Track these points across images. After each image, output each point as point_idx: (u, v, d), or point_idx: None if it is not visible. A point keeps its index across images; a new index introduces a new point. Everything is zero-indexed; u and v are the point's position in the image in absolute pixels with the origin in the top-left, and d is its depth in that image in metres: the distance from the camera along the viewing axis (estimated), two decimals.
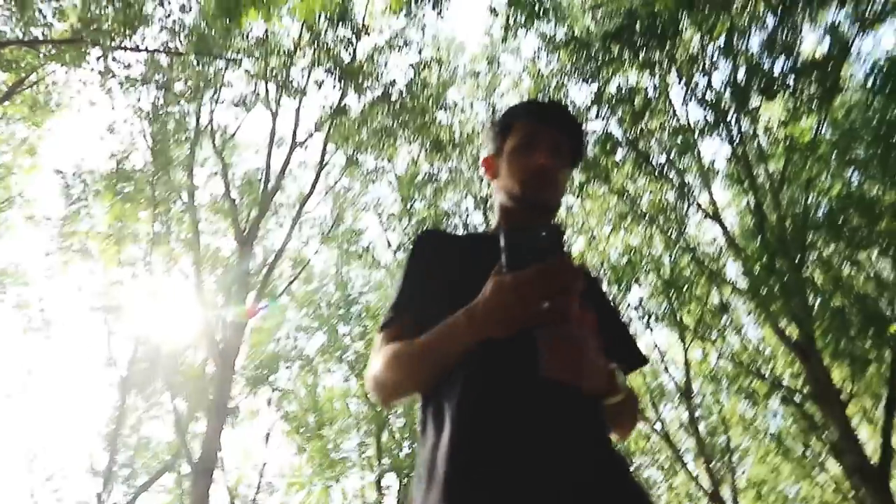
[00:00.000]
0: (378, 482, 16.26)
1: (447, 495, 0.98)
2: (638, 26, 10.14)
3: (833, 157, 9.68)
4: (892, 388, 8.90)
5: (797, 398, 11.35)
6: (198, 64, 11.91)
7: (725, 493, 13.43)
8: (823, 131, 9.67)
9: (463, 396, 1.08)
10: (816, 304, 10.69)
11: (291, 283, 16.29)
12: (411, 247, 1.36)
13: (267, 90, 13.53)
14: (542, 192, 1.33)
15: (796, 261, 9.05)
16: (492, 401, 1.07)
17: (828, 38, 9.08)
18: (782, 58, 8.95)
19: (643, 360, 1.43)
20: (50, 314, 14.53)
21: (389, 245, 16.37)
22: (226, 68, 12.46)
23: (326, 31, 12.01)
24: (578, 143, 1.41)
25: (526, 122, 1.38)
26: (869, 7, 8.03)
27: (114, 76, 10.88)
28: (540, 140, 1.35)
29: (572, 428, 1.06)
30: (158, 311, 13.33)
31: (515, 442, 1.02)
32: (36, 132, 13.33)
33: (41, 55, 10.38)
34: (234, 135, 14.28)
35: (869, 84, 8.60)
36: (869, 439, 14.26)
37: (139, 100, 12.27)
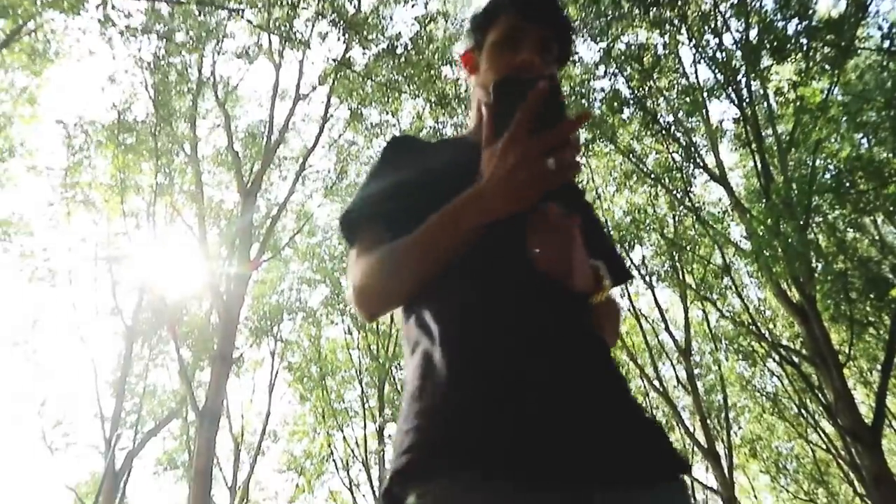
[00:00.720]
0: (380, 432, 16.61)
1: (450, 398, 0.92)
2: None
3: (843, 119, 9.53)
4: (889, 351, 8.96)
5: (795, 359, 11.45)
6: (199, 14, 11.68)
7: (720, 449, 13.69)
8: (835, 93, 9.50)
9: (464, 296, 1.01)
10: (819, 267, 10.70)
11: (294, 235, 16.34)
12: (381, 152, 1.27)
13: (270, 42, 13.33)
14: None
15: (801, 223, 9.01)
16: (494, 301, 1.01)
17: None
18: (796, 18, 8.72)
19: (627, 275, 1.34)
20: (54, 264, 14.62)
21: None
22: (228, 19, 12.22)
23: None
24: (567, 41, 1.28)
25: (510, 16, 1.25)
26: None
27: (114, 25, 10.68)
28: (525, 35, 1.23)
29: (575, 329, 1.02)
30: (162, 262, 13.42)
31: (521, 341, 0.96)
32: (35, 81, 13.18)
33: (38, 1, 10.18)
34: (236, 87, 14.13)
35: (885, 45, 8.41)
36: (864, 401, 14.48)
37: (140, 50, 12.10)
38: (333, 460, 17.58)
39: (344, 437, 17.23)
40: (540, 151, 0.86)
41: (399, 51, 12.06)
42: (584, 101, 11.78)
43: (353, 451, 17.11)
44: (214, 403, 10.87)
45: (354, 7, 11.97)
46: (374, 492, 16.06)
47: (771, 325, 15.28)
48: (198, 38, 12.06)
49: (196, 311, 15.26)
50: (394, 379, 17.17)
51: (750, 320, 12.42)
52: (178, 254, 13.82)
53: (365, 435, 16.94)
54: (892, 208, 10.95)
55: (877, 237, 14.01)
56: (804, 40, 8.59)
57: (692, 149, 11.48)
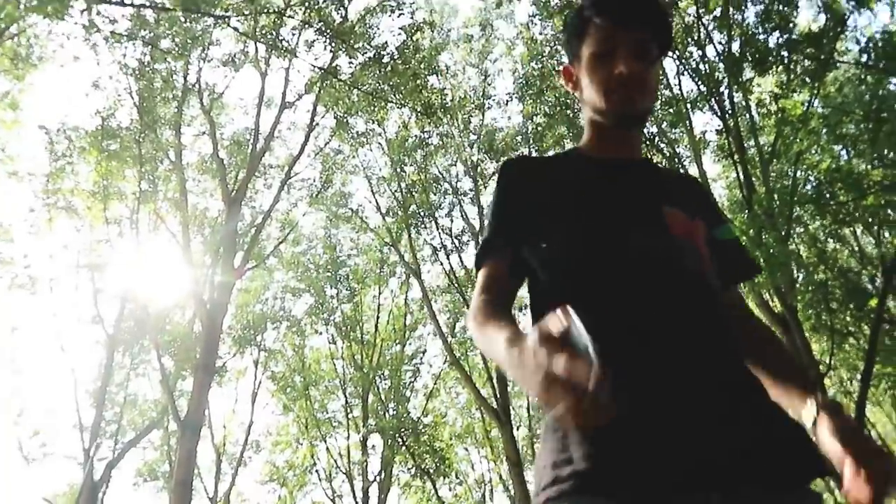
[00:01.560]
0: (364, 442, 16.52)
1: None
2: None
3: (823, 131, 9.68)
4: (868, 361, 9.07)
5: None
6: (185, 20, 11.65)
7: None
8: (815, 106, 9.65)
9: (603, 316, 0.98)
10: (800, 278, 10.83)
11: (279, 244, 16.27)
12: (497, 176, 1.28)
13: (256, 50, 13.32)
14: (630, 102, 1.18)
15: (783, 234, 9.12)
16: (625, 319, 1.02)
17: (823, 12, 9.01)
18: (777, 31, 8.87)
19: (756, 269, 1.33)
20: (35, 271, 14.43)
21: (378, 208, 16.34)
22: (214, 26, 12.20)
23: None
24: (665, 36, 1.23)
25: (601, 23, 1.20)
26: None
27: (98, 31, 10.61)
28: (619, 43, 1.18)
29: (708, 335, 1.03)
30: (145, 270, 13.30)
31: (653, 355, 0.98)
32: (18, 86, 13.05)
33: (21, 5, 10.10)
34: (222, 94, 14.08)
35: (863, 59, 8.56)
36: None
37: (125, 56, 12.03)
38: (316, 471, 17.45)
39: (327, 448, 17.12)
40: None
41: (385, 60, 12.09)
42: (568, 111, 11.88)
43: (336, 462, 16.98)
44: (196, 413, 10.75)
45: (341, 16, 11.99)
46: (356, 503, 15.93)
47: None
48: (183, 45, 12.03)
49: (179, 320, 15.12)
50: (377, 389, 17.11)
51: None
52: (161, 262, 13.71)
53: (348, 446, 16.84)
54: (871, 219, 11.11)
55: (856, 248, 14.19)
56: (785, 53, 8.74)
57: (676, 159, 11.59)
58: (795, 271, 10.06)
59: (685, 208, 1.17)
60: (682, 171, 11.39)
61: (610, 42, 1.19)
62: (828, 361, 10.70)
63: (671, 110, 10.86)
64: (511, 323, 1.04)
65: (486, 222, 1.27)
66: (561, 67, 1.40)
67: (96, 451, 13.87)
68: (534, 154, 14.33)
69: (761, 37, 8.98)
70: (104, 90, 12.68)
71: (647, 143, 11.43)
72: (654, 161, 1.36)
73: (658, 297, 1.03)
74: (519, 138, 14.86)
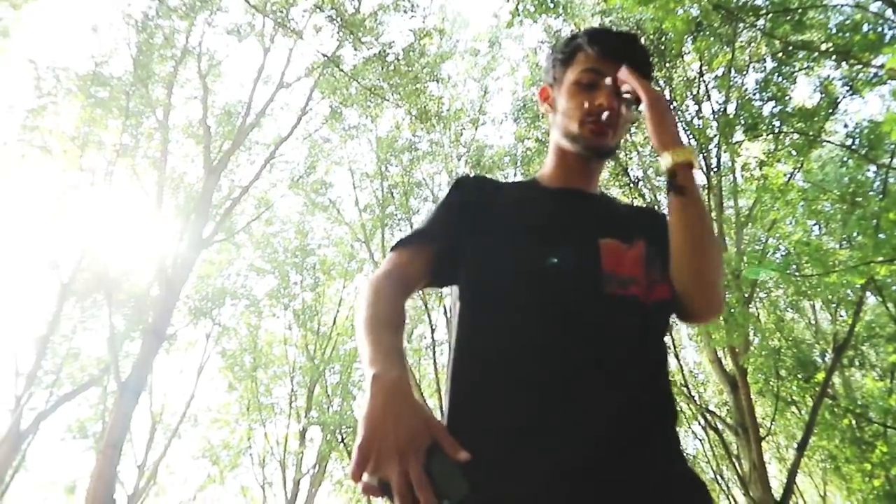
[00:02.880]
0: (302, 433, 16.36)
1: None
2: (643, 40, 10.18)
3: (800, 205, 9.95)
4: (807, 431, 9.30)
5: (719, 426, 11.76)
6: None
7: None
8: (796, 178, 9.93)
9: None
10: (755, 341, 11.07)
11: (252, 221, 16.10)
12: (449, 187, 1.30)
13: (263, 24, 13.22)
14: (602, 136, 1.23)
15: (745, 296, 9.33)
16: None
17: (818, 91, 9.29)
18: (772, 101, 9.11)
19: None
20: None
21: (357, 203, 16.29)
22: None
23: None
24: (647, 76, 1.27)
25: (589, 55, 1.26)
26: (861, 72, 8.22)
27: None
28: (604, 76, 1.23)
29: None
30: (112, 224, 13.04)
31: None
32: (13, 13, 12.76)
33: None
34: (221, 62, 13.93)
35: (848, 143, 8.83)
36: (776, 476, 14.92)
37: (130, 5, 11.85)
38: (250, 454, 17.22)
39: (265, 433, 16.90)
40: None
41: (390, 58, 12.10)
42: None
43: (272, 448, 16.78)
44: (138, 377, 10.54)
45: (354, 7, 11.98)
46: (286, 493, 15.75)
47: (702, 389, 15.68)
48: (191, 6, 11.89)
49: (137, 280, 14.83)
50: (325, 382, 16.97)
51: (683, 381, 12.72)
52: (129, 219, 13.46)
53: (287, 434, 16.66)
54: (830, 297, 11.43)
55: (813, 322, 14.57)
56: (777, 123, 8.96)
57: (656, 206, 11.79)
58: (752, 334, 10.28)
59: (624, 235, 1.18)
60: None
61: (593, 74, 1.24)
62: (769, 426, 10.95)
63: (659, 157, 11.05)
64: (393, 335, 1.05)
65: (424, 218, 1.29)
66: (539, 87, 1.41)
67: (28, 400, 13.50)
68: (519, 177, 14.45)
69: (757, 104, 9.21)
70: (102, 36, 12.48)
71: (631, 185, 11.62)
72: (609, 196, 1.36)
73: (568, 325, 1.06)
74: (507, 159, 14.96)
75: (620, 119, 1.25)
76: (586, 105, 1.23)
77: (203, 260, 15.59)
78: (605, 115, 1.21)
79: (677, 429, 1.12)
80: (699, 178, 10.50)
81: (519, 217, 1.22)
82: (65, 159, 13.10)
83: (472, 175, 1.34)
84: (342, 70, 12.53)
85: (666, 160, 1.15)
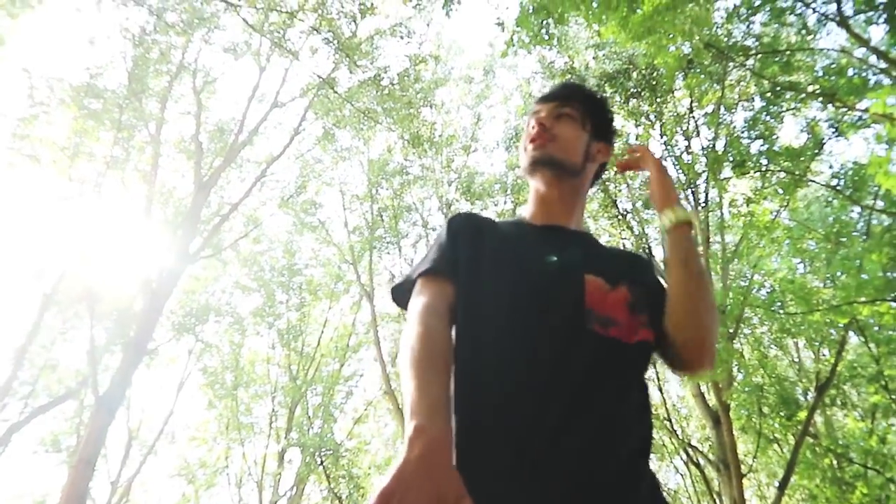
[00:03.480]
0: (282, 454, 16.13)
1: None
2: (634, 75, 10.35)
3: (786, 242, 10.05)
4: (788, 470, 9.29)
5: (701, 461, 11.72)
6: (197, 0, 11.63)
7: None
8: (782, 217, 10.04)
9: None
10: (739, 378, 11.09)
11: (240, 239, 16.05)
12: (445, 225, 1.34)
13: (260, 44, 13.31)
14: (539, 148, 1.35)
15: (730, 332, 9.36)
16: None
17: (805, 132, 9.44)
18: (760, 140, 9.25)
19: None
20: None
21: (346, 224, 16.29)
22: (224, 11, 12.18)
23: (333, 0, 11.88)
24: (592, 108, 1.43)
25: (535, 104, 1.45)
26: (846, 115, 8.38)
27: None
28: (540, 111, 1.40)
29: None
30: (99, 236, 12.94)
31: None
32: (10, 23, 12.76)
33: None
34: (216, 79, 13.99)
35: (833, 183, 8.95)
36: None
37: (128, 19, 11.90)
38: (227, 474, 16.93)
39: (243, 453, 16.65)
40: None
41: (384, 82, 12.20)
42: None
43: (249, 468, 16.52)
44: (117, 391, 10.38)
45: (351, 31, 12.10)
46: None
47: (684, 424, 15.64)
48: (189, 23, 11.96)
49: (120, 294, 14.69)
50: (307, 403, 16.78)
51: (666, 415, 12.69)
52: (117, 231, 13.37)
53: (265, 455, 16.41)
54: (814, 335, 11.49)
55: (796, 359, 14.62)
56: (764, 161, 9.09)
57: (644, 239, 11.86)
58: (736, 370, 10.31)
59: (609, 277, 1.20)
60: (646, 251, 11.66)
61: (536, 114, 1.40)
62: (750, 463, 10.92)
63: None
64: (442, 381, 1.03)
65: (422, 258, 1.30)
66: None
67: (1, 411, 13.26)
68: (508, 203, 14.52)
69: (745, 141, 9.34)
70: (97, 48, 12.51)
71: (619, 218, 11.70)
72: (593, 236, 1.39)
73: (556, 367, 1.06)
74: (497, 186, 15.04)
75: (554, 130, 1.37)
76: (528, 133, 1.40)
77: (189, 275, 15.50)
78: (536, 125, 1.37)
79: (650, 465, 1.13)
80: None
81: (507, 252, 1.24)
82: (54, 169, 13.05)
83: (463, 213, 1.38)
84: (336, 92, 12.61)
85: (668, 218, 1.25)
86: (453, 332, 1.17)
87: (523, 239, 1.30)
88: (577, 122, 1.38)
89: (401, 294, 1.28)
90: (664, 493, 1.10)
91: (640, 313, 1.18)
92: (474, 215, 1.37)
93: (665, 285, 1.28)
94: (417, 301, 1.18)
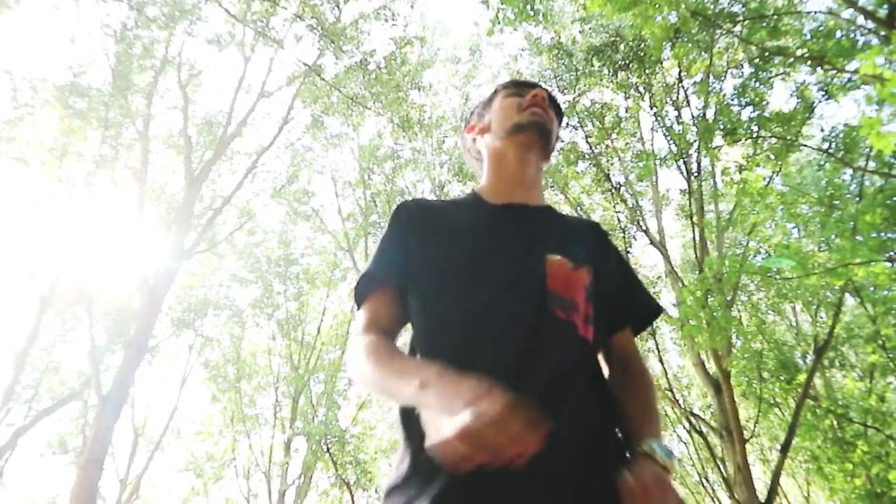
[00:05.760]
0: (287, 444, 16.23)
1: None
2: (622, 47, 10.30)
3: (779, 208, 10.08)
4: (790, 433, 9.39)
5: (703, 429, 11.84)
6: None
7: None
8: (775, 182, 10.05)
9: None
10: (738, 344, 11.18)
11: (234, 231, 16.00)
12: (390, 217, 1.31)
13: (244, 34, 13.18)
14: (541, 113, 1.36)
15: (728, 299, 9.41)
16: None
17: (794, 96, 9.43)
18: (750, 106, 9.24)
19: (657, 310, 1.37)
20: None
21: (340, 212, 16.25)
22: (206, 1, 12.04)
23: None
24: (558, 106, 1.45)
25: (510, 86, 1.44)
26: (835, 77, 8.37)
27: None
28: (527, 90, 1.40)
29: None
30: (92, 236, 12.90)
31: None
32: None
33: None
34: (201, 72, 13.86)
35: (824, 147, 8.96)
36: (760, 477, 15.04)
37: (108, 15, 11.75)
38: (234, 466, 17.03)
39: (249, 445, 16.74)
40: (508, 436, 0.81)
41: (371, 67, 12.12)
42: None
43: (256, 459, 16.62)
44: (120, 390, 10.40)
45: (335, 16, 11.98)
46: None
47: (686, 393, 15.77)
48: (170, 16, 11.82)
49: (118, 292, 14.67)
50: (310, 392, 16.85)
51: (667, 385, 12.79)
52: (110, 230, 13.32)
53: (271, 445, 16.51)
54: (811, 298, 11.58)
55: (794, 324, 14.73)
56: (755, 128, 9.08)
57: (638, 212, 11.88)
58: (734, 337, 10.38)
59: (573, 256, 1.20)
60: (640, 223, 11.68)
61: (520, 90, 1.41)
62: (752, 428, 11.04)
63: (641, 164, 11.16)
64: (405, 358, 1.09)
65: (371, 258, 1.28)
66: (466, 127, 1.52)
67: (6, 416, 13.27)
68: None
69: (735, 109, 9.33)
70: (80, 46, 12.38)
71: (613, 191, 11.71)
72: (554, 208, 1.37)
73: (515, 351, 1.05)
74: None
75: (550, 112, 1.39)
76: (520, 101, 1.38)
77: (185, 271, 15.47)
78: (538, 96, 1.37)
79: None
80: (681, 183, 10.62)
81: (462, 240, 1.21)
82: (43, 171, 12.96)
83: (411, 200, 1.34)
84: (323, 79, 12.52)
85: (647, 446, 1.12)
86: (412, 336, 1.20)
87: (480, 224, 1.26)
88: (555, 120, 1.43)
89: (360, 299, 1.26)
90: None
91: (593, 305, 1.17)
92: (424, 202, 1.35)
93: (624, 264, 1.36)
94: (356, 331, 1.19)
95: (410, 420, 1.06)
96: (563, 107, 1.55)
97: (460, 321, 1.09)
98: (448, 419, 0.83)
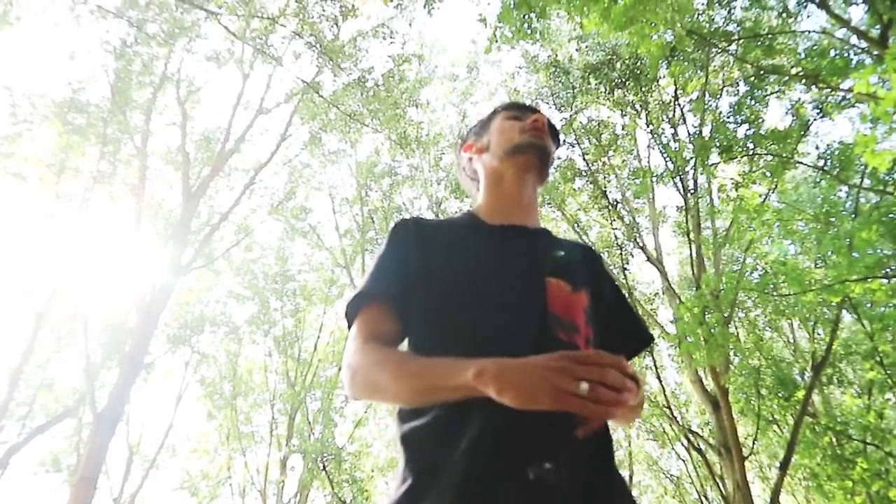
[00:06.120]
0: (284, 462, 16.10)
1: None
2: (618, 65, 10.38)
3: (776, 225, 10.11)
4: (788, 450, 9.35)
5: (702, 446, 11.78)
6: (176, 9, 11.57)
7: None
8: (771, 199, 10.10)
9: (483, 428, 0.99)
10: (736, 361, 11.16)
11: (231, 248, 15.98)
12: (388, 235, 1.30)
13: (243, 51, 13.26)
14: (542, 136, 1.38)
15: (725, 316, 9.41)
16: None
17: (790, 114, 9.51)
18: (746, 124, 9.31)
19: (649, 339, 1.38)
20: None
21: (337, 228, 16.26)
22: (205, 20, 12.12)
23: (314, 4, 11.84)
24: (556, 132, 1.47)
25: (510, 108, 1.46)
26: (830, 95, 8.45)
27: (85, 2, 10.46)
28: (527, 114, 1.43)
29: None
30: (89, 252, 12.87)
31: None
32: None
33: None
34: (200, 88, 13.92)
35: (820, 164, 9.02)
36: (759, 495, 14.95)
37: (108, 32, 11.82)
38: (230, 485, 16.88)
39: (245, 463, 16.61)
40: (576, 374, 0.87)
41: (369, 84, 12.18)
42: None
43: (252, 477, 16.48)
44: (115, 407, 10.33)
45: (333, 34, 12.07)
46: None
47: (684, 410, 15.72)
48: (170, 33, 11.89)
49: (114, 309, 14.62)
50: (306, 409, 16.75)
51: (665, 402, 12.75)
52: (107, 246, 13.29)
53: (267, 463, 16.37)
54: (808, 315, 11.58)
55: (791, 340, 14.72)
56: (751, 145, 9.14)
57: (634, 228, 11.91)
58: (732, 354, 10.36)
59: (572, 279, 1.20)
60: (637, 240, 11.71)
61: (520, 112, 1.43)
62: (751, 445, 10.99)
63: (637, 181, 11.21)
64: (418, 357, 1.10)
65: (366, 276, 1.26)
66: (464, 146, 1.51)
67: None
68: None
69: (731, 126, 9.40)
70: (79, 63, 12.43)
71: (610, 208, 11.74)
72: (550, 231, 1.38)
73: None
74: None
75: (549, 136, 1.41)
76: (521, 124, 1.39)
77: (182, 287, 15.44)
78: (539, 121, 1.39)
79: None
80: (678, 200, 10.63)
81: (461, 261, 1.21)
82: (41, 186, 12.95)
83: (409, 219, 1.33)
84: (321, 96, 12.58)
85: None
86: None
87: (478, 245, 1.25)
88: (553, 146, 1.44)
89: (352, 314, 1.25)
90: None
91: (589, 324, 1.18)
92: (422, 220, 1.33)
93: (617, 290, 1.38)
94: (352, 345, 1.18)
95: (412, 439, 1.05)
96: (559, 132, 1.53)
97: (464, 341, 1.08)
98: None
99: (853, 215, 8.32)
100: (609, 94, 10.99)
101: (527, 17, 7.26)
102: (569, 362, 0.87)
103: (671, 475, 17.12)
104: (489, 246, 1.24)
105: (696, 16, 8.01)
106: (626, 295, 1.46)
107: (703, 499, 15.42)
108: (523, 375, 0.89)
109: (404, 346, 1.23)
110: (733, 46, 8.43)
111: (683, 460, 15.85)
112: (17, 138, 12.71)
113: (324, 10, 11.77)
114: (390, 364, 1.08)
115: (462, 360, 0.96)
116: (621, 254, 12.18)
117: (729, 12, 8.66)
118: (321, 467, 14.99)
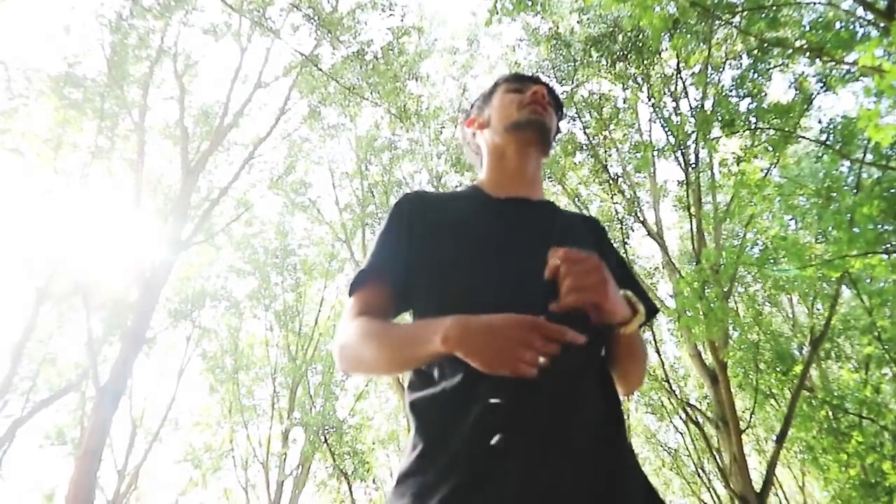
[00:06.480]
0: (285, 434, 16.27)
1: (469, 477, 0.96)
2: (620, 38, 10.25)
3: (777, 200, 10.07)
4: (785, 424, 9.43)
5: (700, 419, 11.88)
6: None
7: None
8: (773, 174, 10.04)
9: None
10: (735, 336, 11.20)
11: (231, 223, 15.96)
12: (391, 209, 1.31)
13: (240, 23, 13.09)
14: (542, 112, 1.36)
15: (724, 291, 9.42)
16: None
17: (793, 88, 9.41)
18: (749, 98, 9.21)
19: (654, 311, 1.35)
20: None
21: (337, 202, 16.22)
22: None
23: None
24: (558, 100, 1.46)
25: (511, 80, 1.45)
26: (834, 69, 8.34)
27: None
28: (527, 85, 1.41)
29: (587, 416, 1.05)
30: (89, 227, 12.85)
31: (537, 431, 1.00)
32: None
33: None
34: (197, 62, 13.78)
35: (822, 138, 8.94)
36: (756, 468, 15.12)
37: (103, 5, 11.66)
38: (233, 457, 17.08)
39: (247, 435, 16.78)
40: (536, 346, 0.91)
41: (368, 57, 12.05)
42: None
43: (254, 450, 16.67)
44: (118, 381, 10.40)
45: (331, 6, 11.90)
46: (269, 495, 15.65)
47: (682, 384, 15.82)
48: (166, 6, 11.73)
49: (115, 284, 14.64)
50: (307, 383, 16.88)
51: (664, 376, 12.83)
52: (106, 222, 13.27)
53: (269, 436, 16.55)
54: (807, 290, 11.60)
55: (790, 315, 14.77)
56: (753, 119, 9.06)
57: (635, 203, 11.87)
58: (731, 328, 10.40)
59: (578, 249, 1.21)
60: (637, 215, 11.68)
61: (521, 84, 1.42)
62: (748, 419, 11.08)
63: (639, 155, 11.14)
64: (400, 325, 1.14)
65: (370, 251, 1.28)
66: (466, 121, 1.52)
67: (3, 407, 13.28)
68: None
69: (733, 100, 9.30)
70: (74, 36, 12.28)
71: (610, 182, 11.69)
72: (554, 203, 1.40)
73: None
74: None
75: (550, 108, 1.40)
76: (521, 98, 1.38)
77: (182, 262, 15.45)
78: (538, 93, 1.37)
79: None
80: (679, 174, 10.60)
81: (466, 233, 1.22)
82: (38, 162, 12.89)
83: (412, 193, 1.34)
84: (320, 69, 12.45)
85: (637, 322, 1.16)
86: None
87: (482, 218, 1.26)
88: (554, 116, 1.43)
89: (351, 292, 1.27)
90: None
91: None
92: (426, 194, 1.35)
93: (622, 262, 1.38)
94: (346, 319, 1.20)
95: (422, 407, 1.08)
96: (562, 100, 1.51)
97: (471, 313, 1.08)
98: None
99: (855, 190, 8.27)
100: (611, 67, 10.87)
101: None
102: (532, 333, 0.90)
103: (669, 448, 17.30)
104: (494, 218, 1.26)
105: None
106: None
107: (700, 471, 15.60)
108: (487, 340, 0.93)
109: (403, 320, 1.26)
110: (737, 18, 8.29)
111: (681, 433, 16.01)
112: (14, 113, 12.61)
113: None
114: (372, 337, 1.11)
115: (433, 324, 1.00)
116: (622, 228, 12.15)
117: None
118: (323, 440, 15.16)
